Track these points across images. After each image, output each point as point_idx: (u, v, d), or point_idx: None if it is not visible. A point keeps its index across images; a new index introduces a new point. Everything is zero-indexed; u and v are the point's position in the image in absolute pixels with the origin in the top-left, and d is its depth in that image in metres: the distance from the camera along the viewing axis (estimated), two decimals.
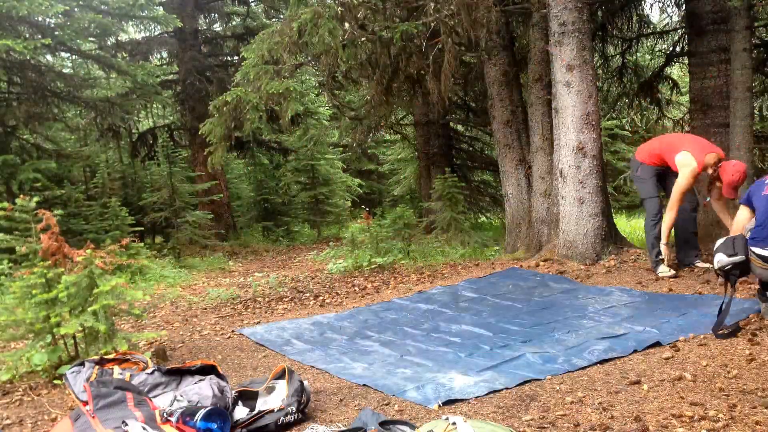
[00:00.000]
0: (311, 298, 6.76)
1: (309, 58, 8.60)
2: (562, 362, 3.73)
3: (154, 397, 3.26)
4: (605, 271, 6.26)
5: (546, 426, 2.86)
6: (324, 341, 4.82)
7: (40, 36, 9.68)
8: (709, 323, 4.15)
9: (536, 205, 7.89)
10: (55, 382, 4.05)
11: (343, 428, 2.98)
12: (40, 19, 9.89)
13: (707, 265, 5.78)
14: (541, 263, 6.84)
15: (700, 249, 6.17)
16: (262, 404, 3.28)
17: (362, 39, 7.22)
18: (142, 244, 10.15)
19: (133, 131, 15.84)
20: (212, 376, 3.37)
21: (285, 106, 7.05)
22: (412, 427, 2.73)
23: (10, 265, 7.90)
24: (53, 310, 4.09)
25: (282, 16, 14.37)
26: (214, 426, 2.87)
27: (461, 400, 3.26)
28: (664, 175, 6.02)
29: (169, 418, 2.92)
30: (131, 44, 13.61)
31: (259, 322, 5.75)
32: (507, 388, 3.38)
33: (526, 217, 8.33)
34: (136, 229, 10.83)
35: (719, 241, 4.15)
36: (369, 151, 19.94)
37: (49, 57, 11.87)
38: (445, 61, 6.94)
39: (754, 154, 8.12)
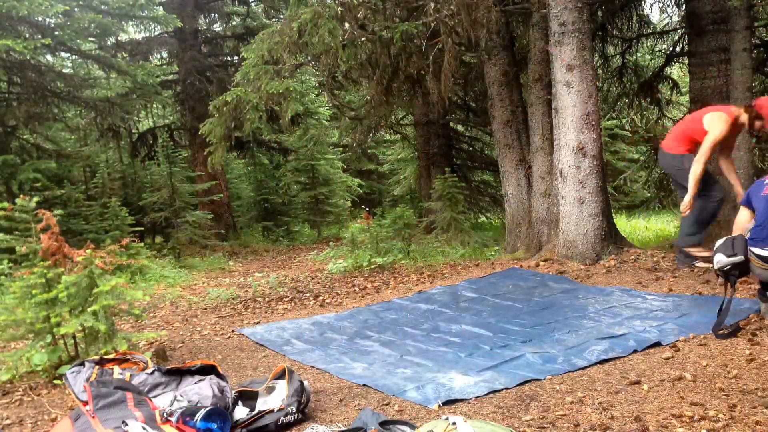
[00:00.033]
0: (311, 298, 6.76)
1: (309, 58, 8.60)
2: (562, 362, 3.73)
3: (154, 397, 3.26)
4: (605, 271, 6.26)
5: (546, 426, 2.86)
6: (324, 341, 4.82)
7: (40, 36, 9.68)
8: (709, 323, 4.15)
9: (536, 205, 7.89)
10: (55, 382, 4.05)
11: (343, 428, 2.98)
12: (40, 19, 9.89)
13: (707, 264, 5.71)
14: (541, 263, 6.84)
15: (701, 244, 5.95)
16: (262, 404, 3.28)
17: (362, 39, 7.23)
18: (142, 244, 10.15)
19: (133, 131, 15.84)
20: (212, 376, 3.37)
21: (285, 106, 7.05)
22: (412, 427, 2.73)
23: (10, 265, 7.89)
24: (53, 310, 4.09)
25: (282, 16, 14.37)
26: (214, 426, 2.87)
27: (461, 400, 3.26)
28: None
29: (169, 418, 2.92)
30: (131, 44, 13.61)
31: (259, 322, 5.75)
32: (507, 388, 3.38)
33: (526, 217, 8.33)
34: (136, 229, 10.83)
35: (719, 242, 4.14)
36: (369, 151, 19.95)
37: (49, 57, 11.87)
38: (445, 61, 6.94)
39: (754, 154, 8.12)
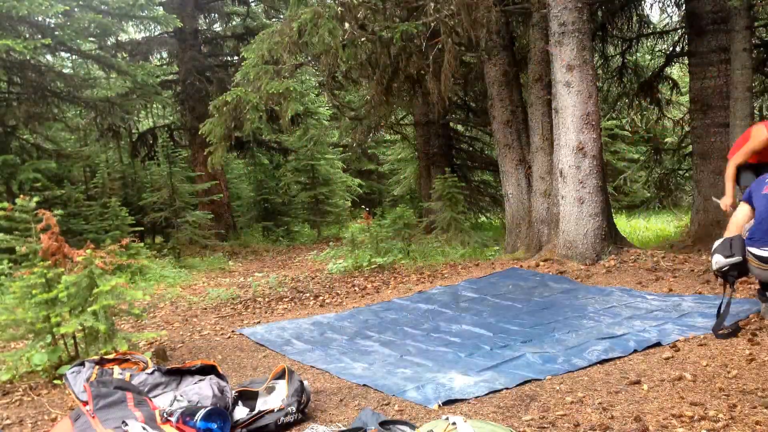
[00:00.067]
0: (311, 298, 6.76)
1: (309, 58, 8.60)
2: (562, 362, 3.73)
3: (154, 397, 3.26)
4: (605, 271, 6.26)
5: (546, 426, 2.86)
6: (324, 341, 4.82)
7: (40, 36, 9.68)
8: (709, 323, 4.16)
9: (536, 205, 7.89)
10: (55, 382, 4.05)
11: (343, 428, 2.98)
12: (40, 19, 9.89)
13: None
14: (541, 263, 6.84)
15: None
16: (262, 404, 3.28)
17: (362, 39, 7.23)
18: (142, 244, 10.15)
19: (133, 131, 15.83)
20: (212, 376, 3.37)
21: (285, 106, 7.05)
22: (412, 427, 2.73)
23: (10, 265, 7.89)
24: (53, 310, 4.09)
25: (282, 16, 14.37)
26: (214, 426, 2.87)
27: (461, 400, 3.26)
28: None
29: (169, 418, 2.93)
30: (131, 44, 13.60)
31: (259, 322, 5.75)
32: (507, 388, 3.38)
33: (526, 217, 8.33)
34: (136, 229, 10.83)
35: (717, 242, 4.13)
36: (369, 151, 19.94)
37: (49, 57, 11.87)
38: (445, 61, 6.94)
39: None
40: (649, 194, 16.38)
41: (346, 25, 6.99)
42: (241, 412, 3.20)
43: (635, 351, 3.81)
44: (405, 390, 3.46)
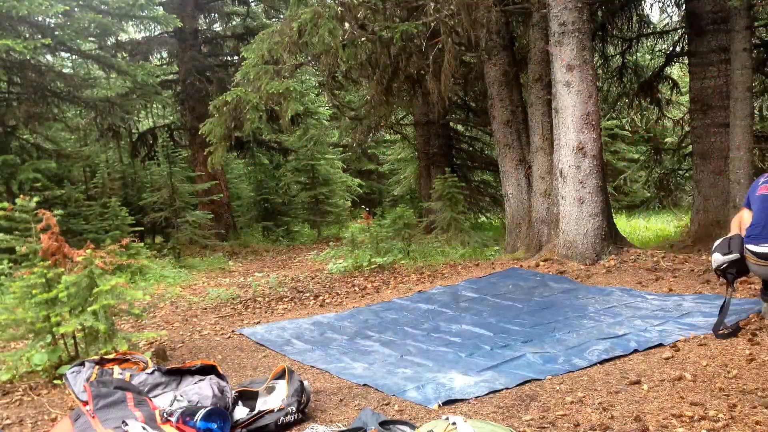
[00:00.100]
0: (311, 298, 6.76)
1: (309, 58, 8.60)
2: (563, 362, 3.73)
3: (154, 397, 3.26)
4: (605, 271, 6.26)
5: (546, 426, 2.86)
6: (324, 341, 4.82)
7: (40, 36, 9.68)
8: (709, 323, 4.16)
9: (536, 205, 7.89)
10: (55, 382, 4.05)
11: (343, 428, 2.98)
12: (40, 19, 9.89)
13: None
14: (541, 263, 6.84)
15: None
16: (262, 404, 3.28)
17: (362, 39, 7.22)
18: (142, 244, 10.15)
19: (133, 131, 15.83)
20: (212, 376, 3.37)
21: (285, 106, 7.05)
22: (412, 427, 2.73)
23: (10, 265, 7.89)
24: (53, 309, 4.09)
25: (282, 16, 14.37)
26: (214, 426, 2.87)
27: (461, 400, 3.26)
28: None
29: (169, 418, 2.92)
30: (131, 44, 13.60)
31: (259, 322, 5.75)
32: (507, 388, 3.38)
33: (526, 217, 8.33)
34: (136, 229, 10.83)
35: (716, 242, 4.17)
36: (369, 151, 19.94)
37: (49, 57, 11.86)
38: (445, 61, 6.94)
39: (754, 154, 8.13)
40: (649, 194, 16.37)
41: (346, 25, 6.99)
42: (241, 412, 3.20)
43: (635, 351, 3.81)
44: (405, 390, 3.46)
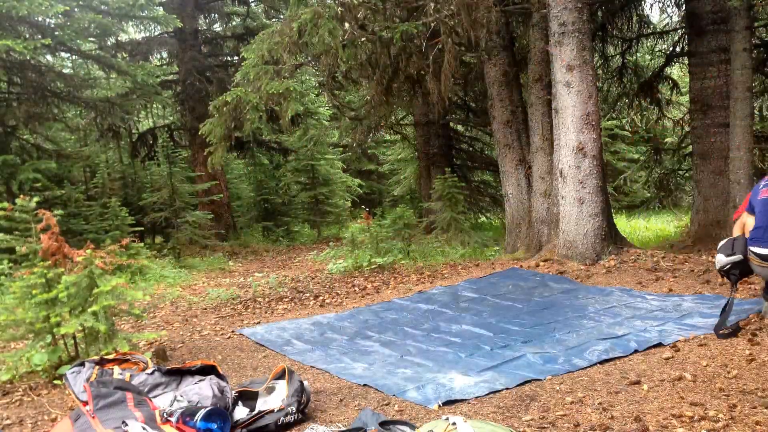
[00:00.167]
0: (311, 298, 6.76)
1: (309, 58, 8.60)
2: (563, 362, 3.73)
3: (154, 397, 3.26)
4: (605, 271, 6.26)
5: (546, 426, 2.86)
6: (324, 341, 4.82)
7: (40, 36, 9.68)
8: (709, 323, 4.16)
9: (536, 205, 7.89)
10: (55, 382, 4.05)
11: (343, 428, 2.98)
12: (40, 19, 9.89)
13: None
14: (541, 263, 6.84)
15: None
16: (262, 404, 3.28)
17: (362, 39, 7.23)
18: (142, 244, 10.15)
19: (133, 131, 15.83)
20: (212, 377, 3.37)
21: (285, 106, 7.05)
22: (412, 427, 2.73)
23: (10, 265, 7.89)
24: (53, 310, 4.08)
25: (282, 16, 14.37)
26: (214, 426, 2.87)
27: (461, 401, 3.26)
28: None
29: (169, 418, 2.92)
30: (131, 44, 13.59)
31: (259, 323, 5.75)
32: (507, 389, 3.38)
33: (526, 217, 8.33)
34: (136, 229, 10.83)
35: (721, 243, 4.21)
36: (369, 151, 19.93)
37: (49, 57, 11.86)
38: (445, 61, 6.94)
39: (754, 154, 8.13)
40: (649, 194, 16.38)
41: (346, 25, 6.99)
42: (241, 412, 3.20)
43: (636, 351, 3.81)
44: (405, 390, 3.46)
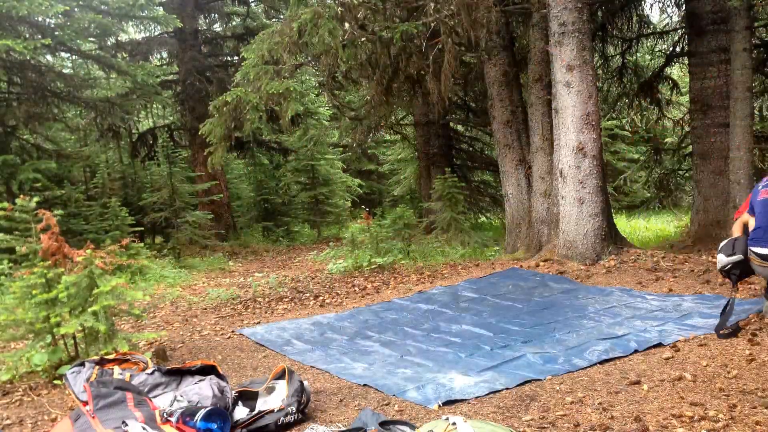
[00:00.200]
0: (311, 298, 6.76)
1: (309, 58, 8.60)
2: (563, 362, 3.73)
3: (154, 397, 3.26)
4: (605, 271, 6.26)
5: (546, 426, 2.86)
6: (324, 341, 4.82)
7: (40, 36, 9.68)
8: (709, 323, 4.16)
9: (536, 205, 7.89)
10: (55, 382, 4.05)
11: (343, 428, 2.98)
12: (40, 19, 9.89)
13: None
14: (541, 263, 6.84)
15: None
16: (262, 404, 3.28)
17: (362, 39, 7.23)
18: (142, 244, 10.15)
19: (133, 131, 15.83)
20: (212, 377, 3.37)
21: (285, 106, 7.05)
22: (412, 427, 2.73)
23: (10, 265, 7.89)
24: (53, 310, 4.08)
25: (282, 16, 14.37)
26: (214, 426, 2.87)
27: (461, 401, 3.26)
28: None
29: (169, 418, 2.92)
30: (131, 44, 13.59)
31: (259, 323, 5.75)
32: (507, 389, 3.38)
33: (526, 217, 8.33)
34: (136, 229, 10.83)
35: (722, 243, 4.23)
36: (369, 151, 19.93)
37: (49, 57, 11.86)
38: (445, 61, 6.94)
39: (754, 154, 8.13)
40: (649, 194, 16.37)
41: (346, 25, 6.99)
42: (241, 412, 3.20)
43: (636, 351, 3.81)
44: (405, 390, 3.46)
